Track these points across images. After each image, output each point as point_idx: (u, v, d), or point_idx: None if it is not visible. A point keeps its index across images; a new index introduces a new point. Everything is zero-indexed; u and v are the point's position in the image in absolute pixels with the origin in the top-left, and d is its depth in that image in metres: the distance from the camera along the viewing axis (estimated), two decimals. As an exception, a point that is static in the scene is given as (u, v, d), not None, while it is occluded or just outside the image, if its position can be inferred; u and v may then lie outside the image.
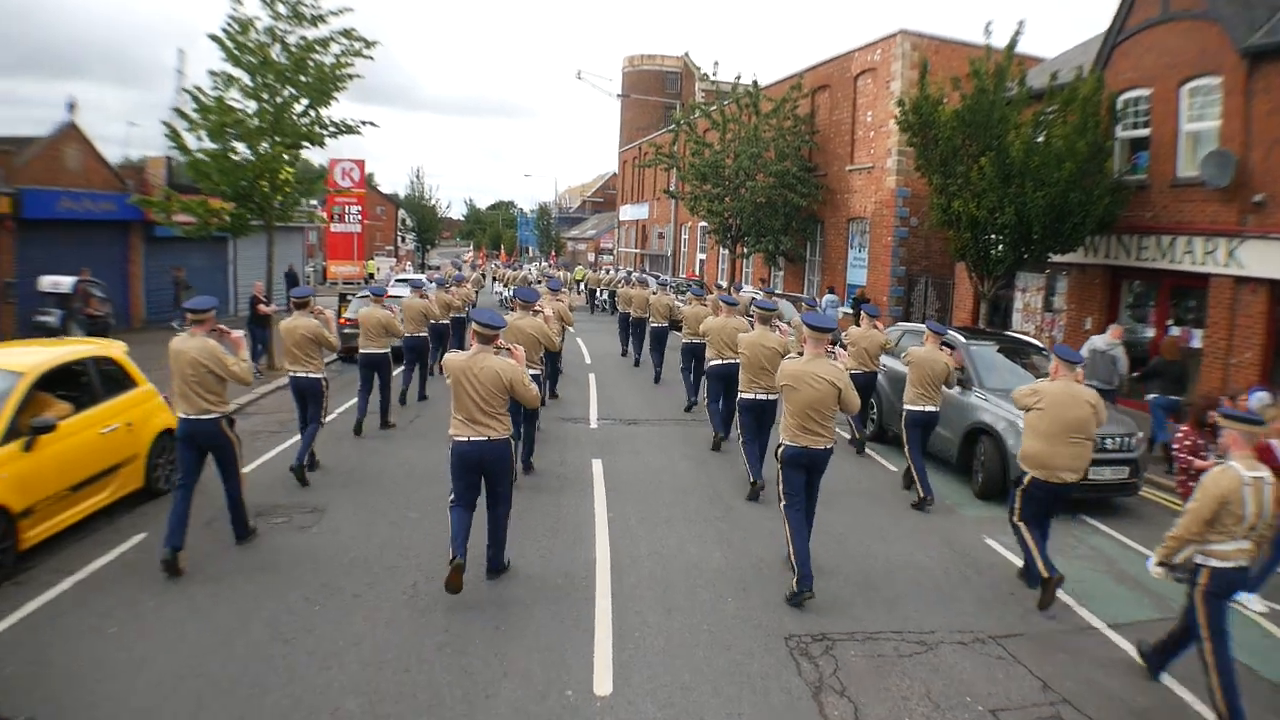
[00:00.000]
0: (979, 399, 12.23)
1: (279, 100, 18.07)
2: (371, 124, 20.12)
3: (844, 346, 11.57)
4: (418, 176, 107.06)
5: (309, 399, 11.34)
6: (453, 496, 7.71)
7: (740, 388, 11.24)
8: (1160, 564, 6.38)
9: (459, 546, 7.47)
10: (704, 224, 41.87)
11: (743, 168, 30.87)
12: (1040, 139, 16.91)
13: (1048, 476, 8.05)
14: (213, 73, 17.75)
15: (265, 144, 18.16)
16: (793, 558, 7.89)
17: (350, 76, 18.94)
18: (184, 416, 8.28)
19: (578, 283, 50.53)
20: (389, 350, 14.21)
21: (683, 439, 14.03)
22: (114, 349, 10.35)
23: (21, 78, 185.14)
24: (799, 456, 7.94)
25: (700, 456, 13.06)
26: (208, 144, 17.82)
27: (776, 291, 31.49)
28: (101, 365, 9.88)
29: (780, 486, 8.17)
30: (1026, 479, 8.20)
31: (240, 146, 18.11)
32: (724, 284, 35.89)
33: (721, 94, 33.70)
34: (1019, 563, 8.93)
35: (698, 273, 44.83)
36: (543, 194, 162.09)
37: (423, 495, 10.60)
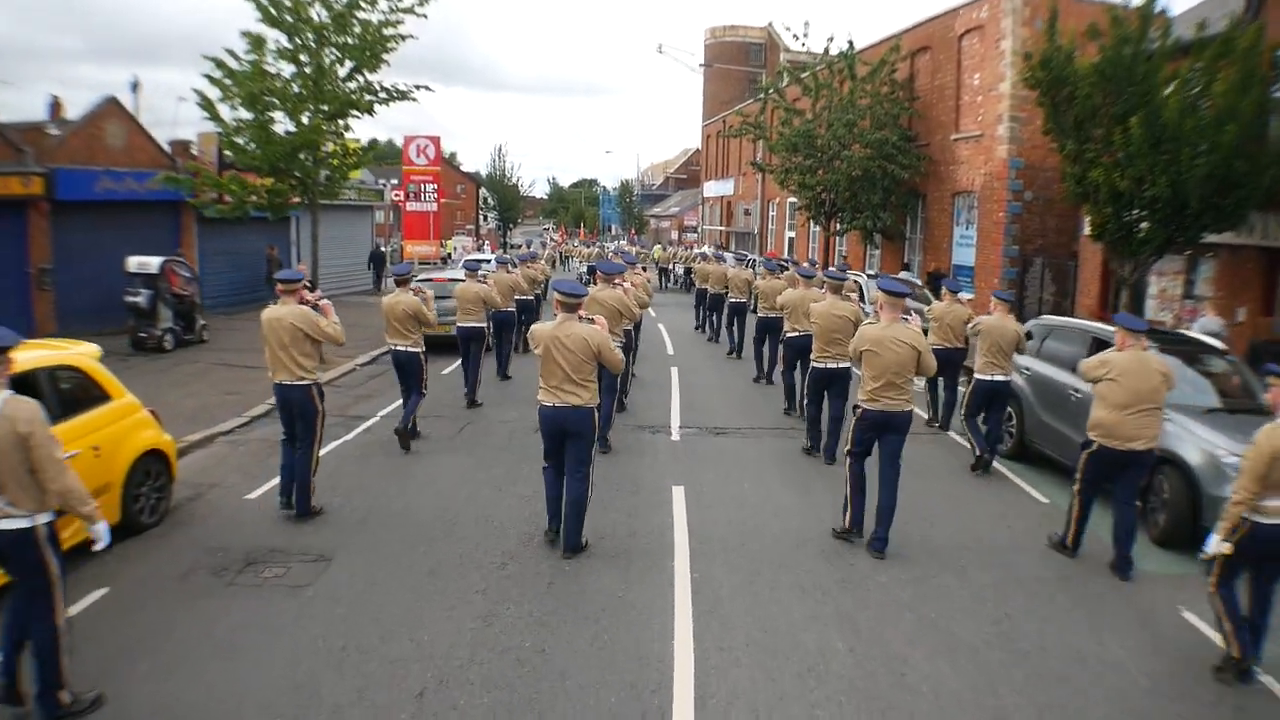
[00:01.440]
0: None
1: (320, 64, 16.28)
2: (426, 88, 18.12)
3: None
4: (499, 154, 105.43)
5: (409, 372, 11.93)
6: (545, 458, 8.33)
7: (813, 356, 11.47)
8: (1225, 539, 6.19)
9: (553, 515, 8.36)
10: (793, 199, 39.34)
11: (837, 137, 28.30)
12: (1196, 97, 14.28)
13: (1115, 444, 8.05)
14: (245, 33, 16.02)
15: (307, 113, 16.43)
16: (848, 498, 8.70)
17: (400, 37, 17.09)
18: (279, 383, 8.88)
19: (654, 262, 48.66)
20: (485, 324, 14.76)
21: (781, 458, 11.80)
22: (81, 356, 8.50)
23: (104, 64, 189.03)
24: (876, 418, 8.35)
25: (804, 484, 10.76)
26: (244, 113, 16.15)
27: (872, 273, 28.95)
28: (59, 377, 8.01)
29: (850, 440, 8.65)
30: (1094, 446, 8.22)
31: (279, 116, 16.39)
32: (818, 265, 33.53)
33: (810, 63, 31.03)
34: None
35: (788, 252, 42.40)
36: (625, 171, 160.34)
37: (449, 550, 8.35)
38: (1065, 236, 25.21)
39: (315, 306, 9.04)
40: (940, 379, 13.25)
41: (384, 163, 58.60)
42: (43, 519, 5.26)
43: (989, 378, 11.21)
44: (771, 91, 31.92)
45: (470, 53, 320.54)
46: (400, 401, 12.53)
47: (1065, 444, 10.98)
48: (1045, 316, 14.29)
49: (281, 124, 16.49)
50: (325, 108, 16.69)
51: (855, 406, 8.57)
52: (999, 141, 24.81)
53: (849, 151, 27.83)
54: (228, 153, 17.17)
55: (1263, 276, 16.36)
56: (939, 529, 9.33)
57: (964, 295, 13.30)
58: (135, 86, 26.95)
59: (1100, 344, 10.87)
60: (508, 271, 16.85)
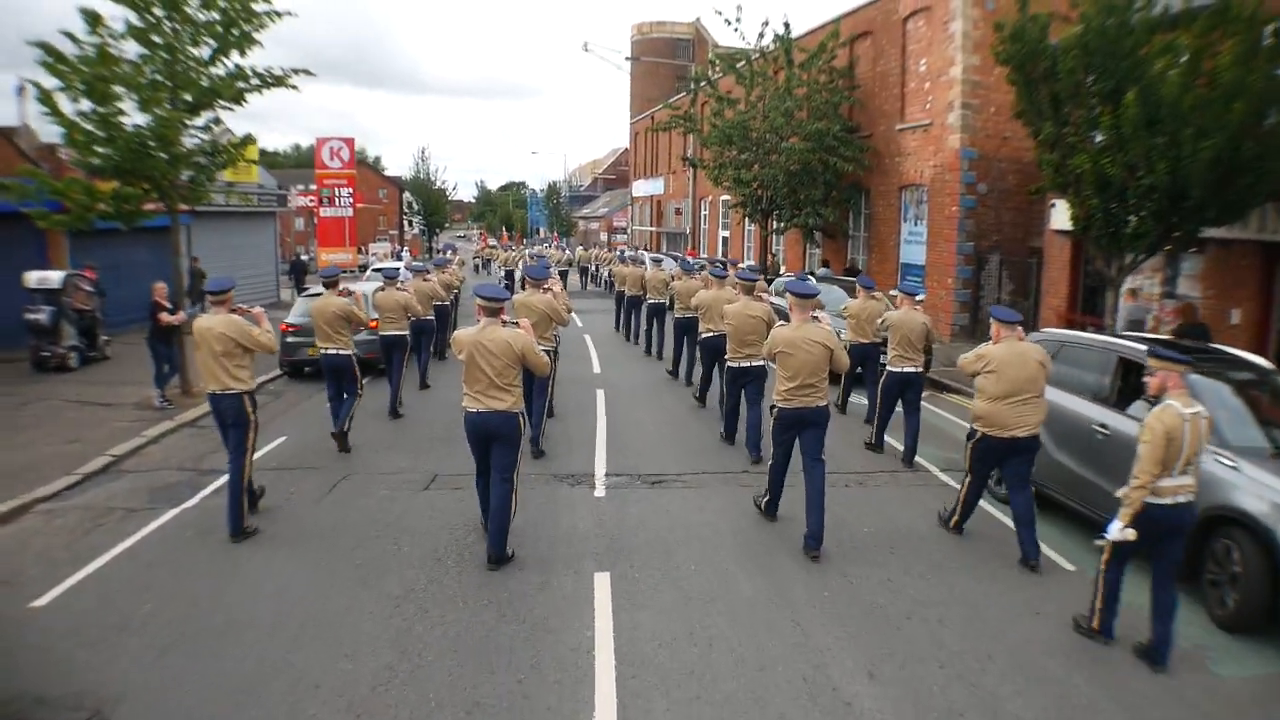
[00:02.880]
0: (1221, 466, 7.45)
1: (173, 45, 13.67)
2: (307, 72, 15.30)
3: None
4: (422, 157, 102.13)
5: (342, 375, 11.83)
6: (476, 466, 8.22)
7: (727, 356, 11.64)
8: (1128, 525, 6.25)
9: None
10: (726, 197, 37.26)
11: (774, 128, 26.22)
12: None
13: (997, 433, 8.22)
14: (83, 10, 13.31)
15: (162, 104, 13.80)
16: (769, 488, 9.09)
17: (275, 14, 14.52)
18: (211, 393, 8.81)
19: (574, 263, 48.88)
20: (407, 332, 14.48)
21: (734, 521, 9.27)
22: None
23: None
24: (791, 416, 8.48)
25: (768, 563, 8.18)
26: (86, 105, 13.46)
27: (815, 274, 27.04)
28: None
29: (773, 441, 8.83)
30: (977, 435, 8.43)
31: (131, 108, 13.74)
32: (771, 268, 31.53)
33: (744, 52, 28.82)
34: None
35: (721, 252, 40.34)
36: (554, 173, 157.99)
37: (276, 701, 5.85)
38: (1022, 231, 23.51)
39: (247, 315, 8.99)
40: (863, 374, 13.71)
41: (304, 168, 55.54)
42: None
43: (900, 369, 11.70)
44: (703, 82, 29.70)
45: (393, 56, 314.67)
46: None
47: (1087, 490, 8.94)
48: (1052, 330, 12.10)
49: (136, 118, 13.76)
50: (187, 97, 14.03)
51: (772, 407, 8.72)
52: (950, 131, 22.97)
53: (787, 143, 25.70)
54: (67, 153, 14.42)
55: (1259, 274, 14.51)
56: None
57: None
58: (21, 90, 24.08)
59: (1130, 367, 8.83)
60: (424, 279, 16.86)
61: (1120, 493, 6.39)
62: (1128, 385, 8.94)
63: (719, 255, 39.32)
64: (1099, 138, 13.14)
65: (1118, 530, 6.27)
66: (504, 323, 7.85)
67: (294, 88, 15.18)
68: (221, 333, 8.61)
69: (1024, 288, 22.19)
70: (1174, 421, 6.09)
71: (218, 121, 15.19)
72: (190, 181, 14.74)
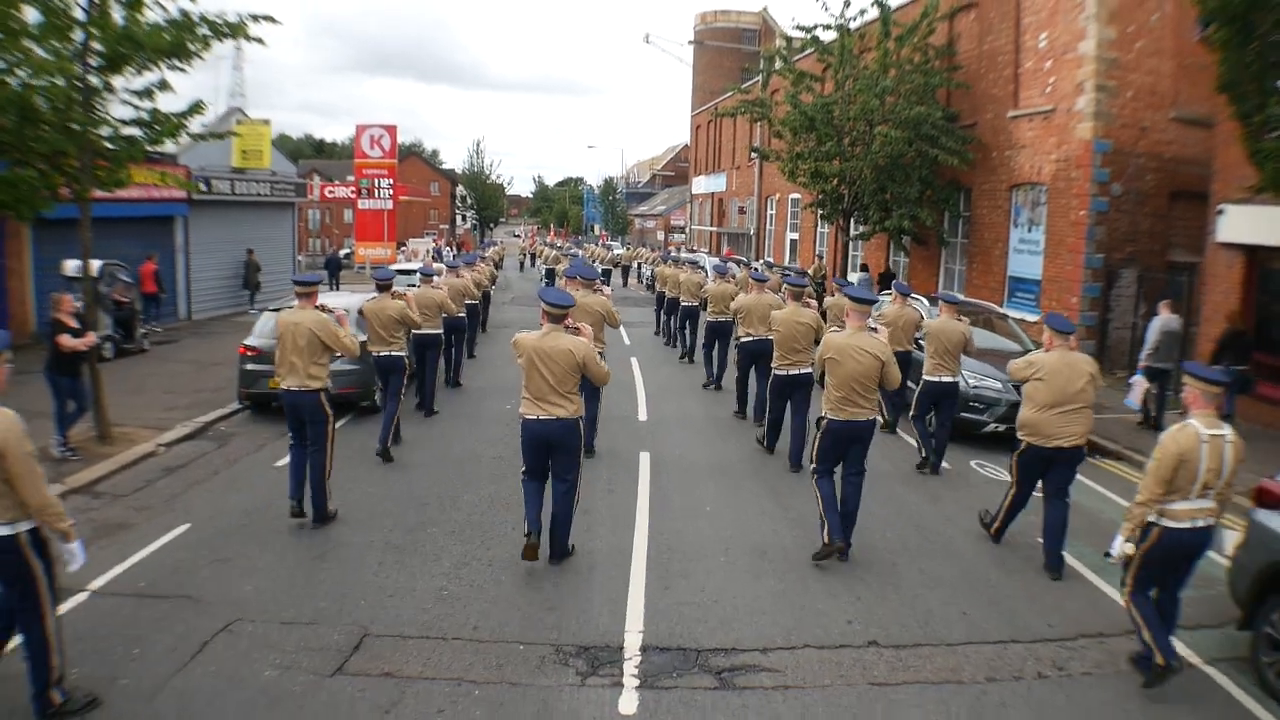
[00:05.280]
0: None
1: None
2: (269, 19, 11.78)
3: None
4: (477, 149, 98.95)
5: (392, 376, 11.48)
6: (524, 470, 7.81)
7: (774, 364, 11.37)
8: (1129, 540, 6.17)
9: (533, 522, 7.56)
10: (796, 195, 33.36)
11: (869, 111, 22.23)
12: None
13: (1041, 442, 8.06)
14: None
15: (66, 59, 10.40)
16: (823, 516, 8.08)
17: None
18: (288, 389, 8.54)
19: (616, 263, 47.21)
20: (440, 331, 14.00)
21: None
22: None
23: None
24: (841, 430, 8.13)
25: None
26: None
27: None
28: None
29: (813, 453, 8.38)
30: (1022, 445, 8.24)
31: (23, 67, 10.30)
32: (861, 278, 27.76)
33: (824, 30, 24.89)
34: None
35: (789, 259, 36.49)
36: (612, 170, 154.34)
37: None
38: (1160, 243, 19.41)
39: (329, 312, 8.79)
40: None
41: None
42: (24, 526, 5.19)
43: (937, 379, 11.41)
44: (776, 58, 25.74)
45: (455, 50, 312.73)
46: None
47: None
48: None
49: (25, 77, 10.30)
50: (100, 49, 10.61)
51: (820, 418, 8.33)
52: (1078, 118, 18.94)
53: (883, 129, 21.67)
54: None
55: None
56: None
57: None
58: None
59: None
60: (457, 276, 16.38)
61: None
62: None
63: (784, 261, 35.59)
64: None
65: (1119, 547, 6.24)
66: (567, 328, 7.64)
67: (256, 39, 11.74)
68: (309, 329, 8.44)
69: (1182, 309, 18.03)
70: (1189, 443, 5.93)
71: (163, 85, 11.72)
72: (109, 159, 11.24)
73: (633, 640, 6.42)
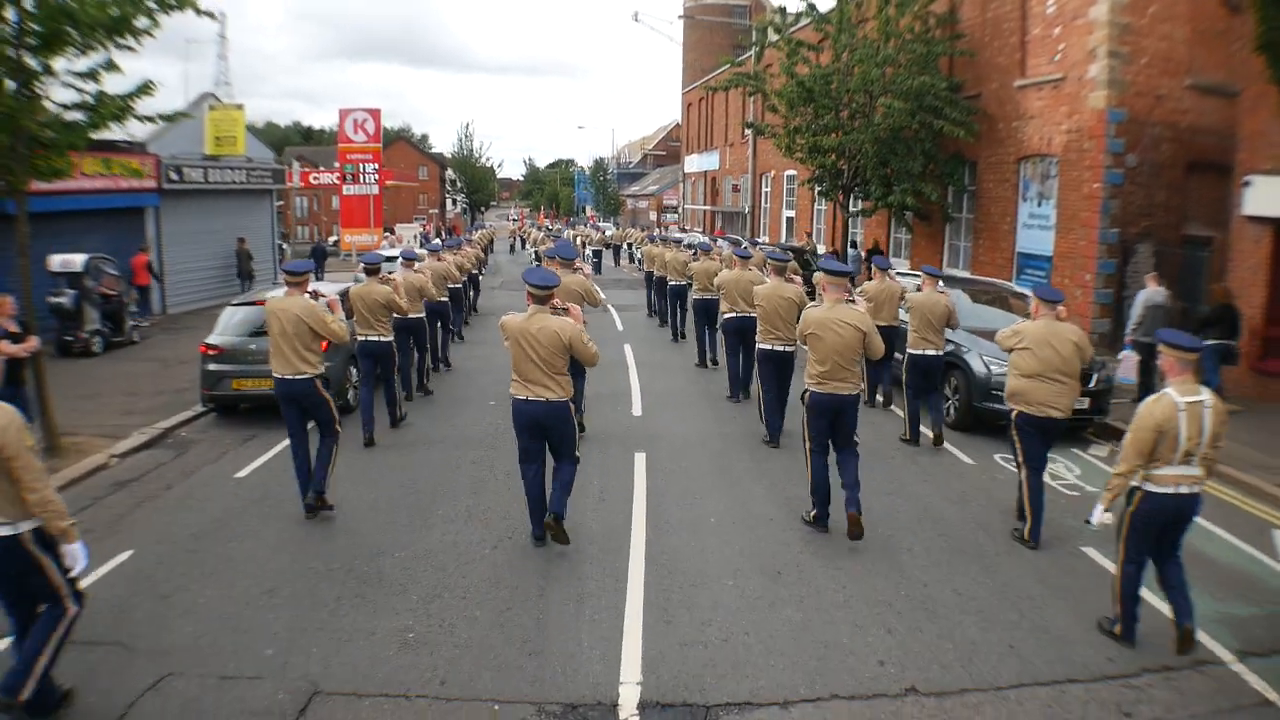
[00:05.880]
0: None
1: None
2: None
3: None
4: (466, 133, 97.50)
5: (380, 361, 11.58)
6: (520, 452, 7.73)
7: (757, 339, 11.34)
8: (1108, 509, 6.23)
9: (537, 517, 7.63)
10: (792, 171, 32.43)
11: (869, 82, 21.21)
12: None
13: (1034, 411, 7.98)
14: None
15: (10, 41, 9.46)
16: (812, 493, 8.20)
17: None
18: (280, 377, 8.41)
19: (605, 244, 45.97)
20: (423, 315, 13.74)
21: None
22: None
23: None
24: (825, 402, 8.02)
25: None
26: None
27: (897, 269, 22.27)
28: None
29: (806, 431, 8.22)
30: (1014, 413, 8.17)
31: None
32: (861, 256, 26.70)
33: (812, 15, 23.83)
34: None
35: (785, 236, 35.51)
36: (602, 149, 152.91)
37: None
38: (1176, 216, 18.46)
39: (318, 298, 8.71)
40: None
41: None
42: (26, 526, 5.07)
43: (921, 352, 11.49)
44: (770, 29, 24.66)
45: (441, 34, 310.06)
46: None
47: None
48: None
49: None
50: (36, 28, 9.64)
51: (804, 392, 8.21)
52: (1090, 86, 18.00)
53: (886, 100, 20.66)
54: None
55: None
56: None
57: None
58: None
59: None
60: (438, 260, 16.35)
61: None
62: None
63: (724, 233, 34.64)
64: None
65: (1098, 515, 6.27)
66: (554, 310, 7.53)
67: (207, 13, 10.81)
68: (296, 315, 8.32)
69: (1177, 287, 17.11)
70: (1166, 412, 5.89)
71: (110, 66, 10.75)
72: (47, 147, 10.27)
73: (629, 695, 5.44)
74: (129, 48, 10.78)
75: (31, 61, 9.89)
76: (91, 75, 10.74)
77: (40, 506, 4.96)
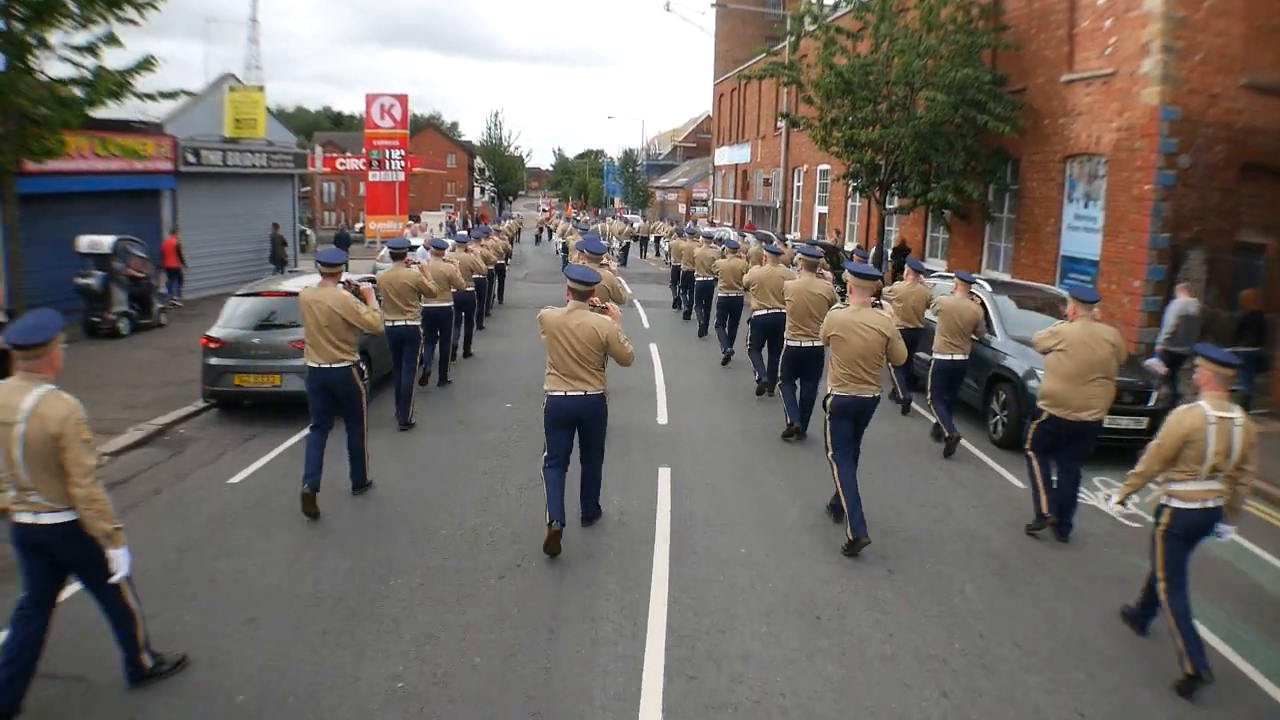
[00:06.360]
0: None
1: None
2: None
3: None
4: (495, 121, 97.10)
5: (406, 344, 11.63)
6: (546, 455, 7.69)
7: (787, 335, 11.28)
8: (1121, 502, 6.43)
9: (556, 511, 7.36)
10: (825, 165, 31.61)
11: (910, 74, 20.41)
12: None
13: (1066, 414, 8.02)
14: None
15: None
16: (845, 506, 7.90)
17: None
18: (315, 366, 8.44)
19: (633, 236, 45.52)
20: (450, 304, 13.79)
21: None
22: None
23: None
24: (848, 406, 8.00)
25: None
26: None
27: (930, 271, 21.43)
28: None
29: (828, 438, 8.16)
30: (1044, 415, 8.21)
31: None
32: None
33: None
34: None
35: (817, 233, 34.71)
36: (631, 141, 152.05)
37: None
38: (1229, 221, 17.57)
39: (355, 291, 8.98)
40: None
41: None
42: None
43: (949, 357, 11.43)
44: (806, 18, 23.85)
45: (472, 21, 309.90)
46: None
47: None
48: None
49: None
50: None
51: (826, 396, 8.26)
52: (1143, 82, 17.11)
53: (929, 92, 19.85)
54: None
55: None
56: None
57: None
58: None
59: None
60: (466, 250, 16.50)
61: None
62: None
63: (754, 228, 33.83)
64: None
65: (1111, 506, 6.57)
66: (594, 307, 7.58)
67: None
68: (329, 307, 8.35)
69: (1228, 297, 16.26)
70: (1195, 423, 5.88)
71: (111, 39, 10.20)
72: (40, 125, 9.69)
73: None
74: (131, 21, 10.26)
75: (24, 32, 9.32)
76: (90, 49, 10.20)
77: (85, 503, 4.89)
